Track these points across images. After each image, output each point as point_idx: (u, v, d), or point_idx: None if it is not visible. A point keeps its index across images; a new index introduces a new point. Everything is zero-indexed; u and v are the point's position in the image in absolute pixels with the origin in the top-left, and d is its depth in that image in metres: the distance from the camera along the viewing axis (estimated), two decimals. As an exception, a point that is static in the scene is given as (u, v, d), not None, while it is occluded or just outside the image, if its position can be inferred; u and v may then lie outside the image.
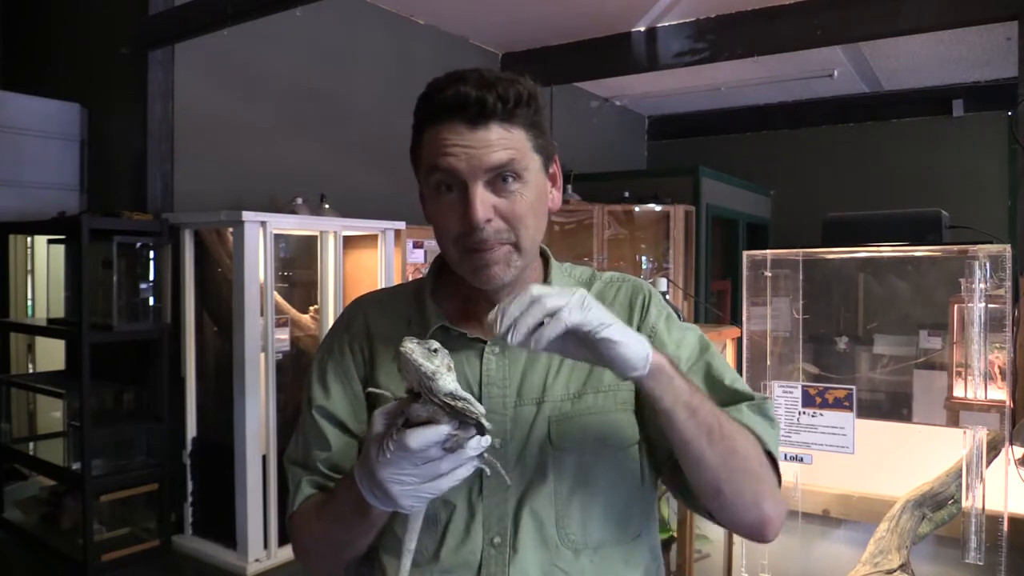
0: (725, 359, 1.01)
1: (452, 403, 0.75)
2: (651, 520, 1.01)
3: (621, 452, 0.95)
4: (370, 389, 0.95)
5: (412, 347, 0.75)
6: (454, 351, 0.94)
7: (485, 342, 0.96)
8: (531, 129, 0.90)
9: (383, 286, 3.35)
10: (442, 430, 0.76)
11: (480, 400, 0.93)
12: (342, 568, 0.99)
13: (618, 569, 0.94)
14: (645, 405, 0.95)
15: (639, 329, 0.98)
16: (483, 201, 0.87)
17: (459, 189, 0.88)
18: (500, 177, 0.88)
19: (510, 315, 0.75)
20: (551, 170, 0.97)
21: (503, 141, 0.87)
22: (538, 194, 0.92)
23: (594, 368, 0.95)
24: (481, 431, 0.78)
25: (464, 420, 0.76)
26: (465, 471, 0.79)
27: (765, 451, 0.91)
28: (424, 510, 0.85)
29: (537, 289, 0.76)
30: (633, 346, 0.78)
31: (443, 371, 0.75)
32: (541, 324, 0.75)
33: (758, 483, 0.89)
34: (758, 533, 0.93)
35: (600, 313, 0.77)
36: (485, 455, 0.80)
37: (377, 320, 1.01)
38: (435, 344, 0.76)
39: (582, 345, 0.78)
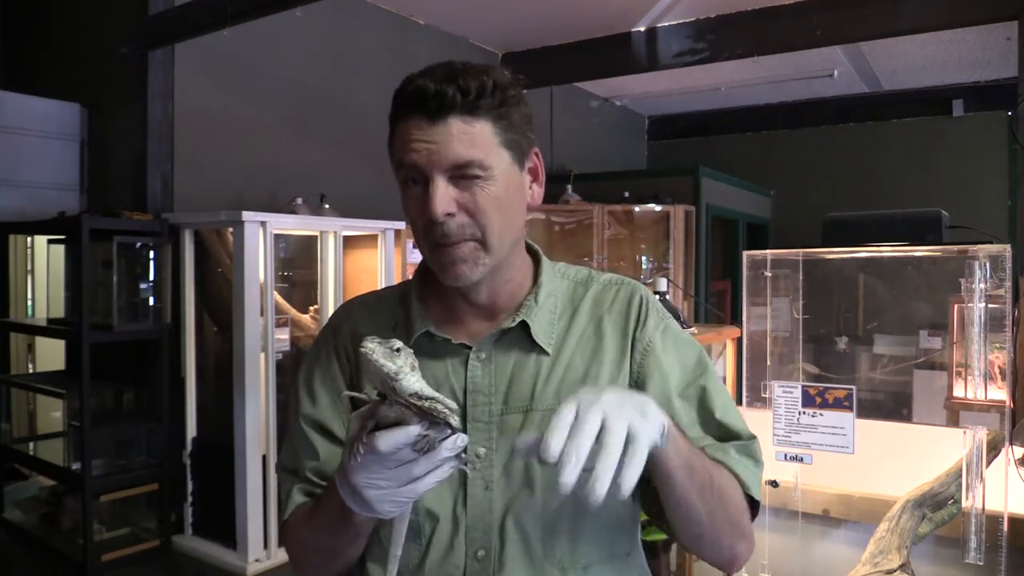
0: (720, 383, 0.98)
1: (418, 403, 0.72)
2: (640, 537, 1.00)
3: None
4: (346, 392, 0.93)
5: (373, 347, 0.71)
6: (438, 358, 0.93)
7: (470, 348, 0.93)
8: (498, 122, 0.87)
9: (383, 286, 3.35)
10: (411, 431, 0.73)
11: (465, 408, 0.91)
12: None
13: None
14: None
15: (635, 339, 0.95)
16: (443, 196, 0.85)
17: (423, 184, 0.87)
18: (462, 172, 0.85)
19: (576, 456, 0.67)
20: (530, 164, 0.94)
21: (464, 136, 0.84)
22: (507, 189, 0.89)
23: (586, 381, 0.93)
24: (453, 429, 0.75)
25: (433, 420, 0.73)
26: (442, 473, 0.76)
27: (746, 494, 0.92)
28: (408, 515, 0.83)
29: (594, 412, 0.68)
30: (656, 423, 0.74)
31: (407, 370, 0.72)
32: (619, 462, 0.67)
33: (735, 528, 0.90)
34: (725, 568, 0.95)
35: (656, 417, 0.73)
36: (463, 455, 0.77)
37: (364, 325, 0.98)
38: (398, 343, 0.73)
39: None
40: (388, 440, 0.72)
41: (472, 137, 0.85)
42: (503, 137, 0.88)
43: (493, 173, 0.87)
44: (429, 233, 0.88)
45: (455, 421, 0.74)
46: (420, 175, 0.86)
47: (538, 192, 0.96)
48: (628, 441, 0.68)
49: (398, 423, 0.73)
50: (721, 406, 0.95)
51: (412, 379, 0.73)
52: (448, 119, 0.84)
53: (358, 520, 0.82)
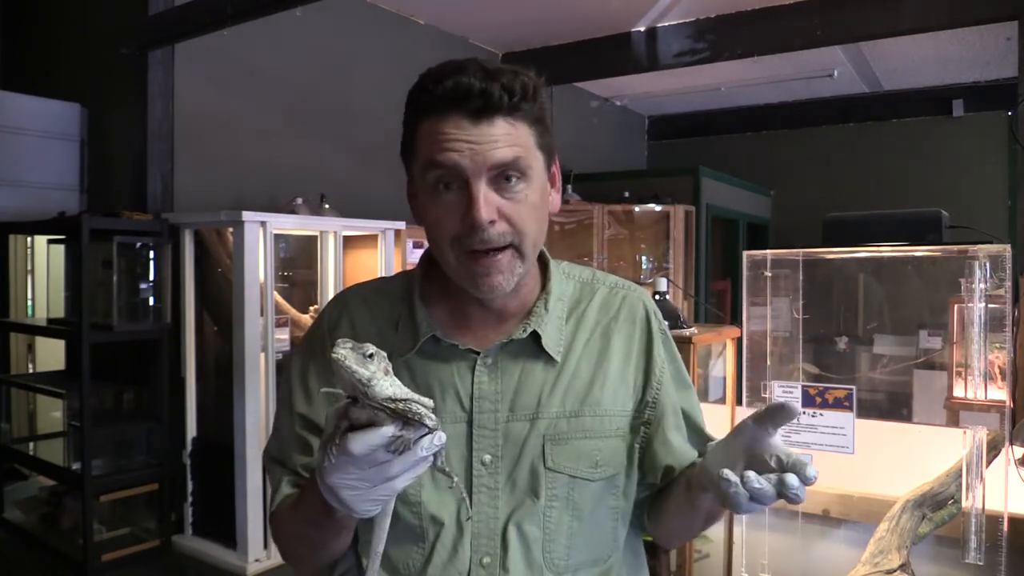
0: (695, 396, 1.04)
1: (392, 406, 0.71)
2: (629, 540, 0.99)
3: (612, 478, 0.93)
4: (323, 389, 0.90)
5: (344, 353, 0.69)
6: (444, 362, 0.91)
7: (478, 353, 0.91)
8: (535, 125, 0.85)
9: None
10: (384, 432, 0.71)
11: (471, 415, 0.90)
12: (325, 569, 0.96)
13: None
14: (653, 439, 0.95)
15: (649, 355, 0.97)
16: (488, 200, 0.81)
17: (460, 187, 0.82)
18: (503, 176, 0.83)
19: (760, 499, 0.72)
20: (551, 170, 0.92)
21: (508, 137, 0.82)
22: (541, 195, 0.88)
23: (592, 389, 0.93)
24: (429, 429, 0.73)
25: (408, 421, 0.72)
26: (418, 470, 0.74)
27: None
28: (390, 512, 0.81)
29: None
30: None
31: (379, 376, 0.70)
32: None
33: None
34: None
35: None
36: (439, 462, 0.75)
37: (363, 321, 0.96)
38: (371, 348, 0.71)
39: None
40: (361, 443, 0.70)
41: (516, 138, 0.83)
42: (539, 140, 0.87)
43: (532, 177, 0.85)
44: (465, 239, 0.83)
45: (431, 421, 0.72)
46: (459, 177, 0.82)
47: (556, 199, 0.95)
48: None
49: (371, 424, 0.72)
50: (702, 420, 1.01)
51: (385, 384, 0.71)
52: (494, 119, 0.82)
53: (338, 516, 0.80)
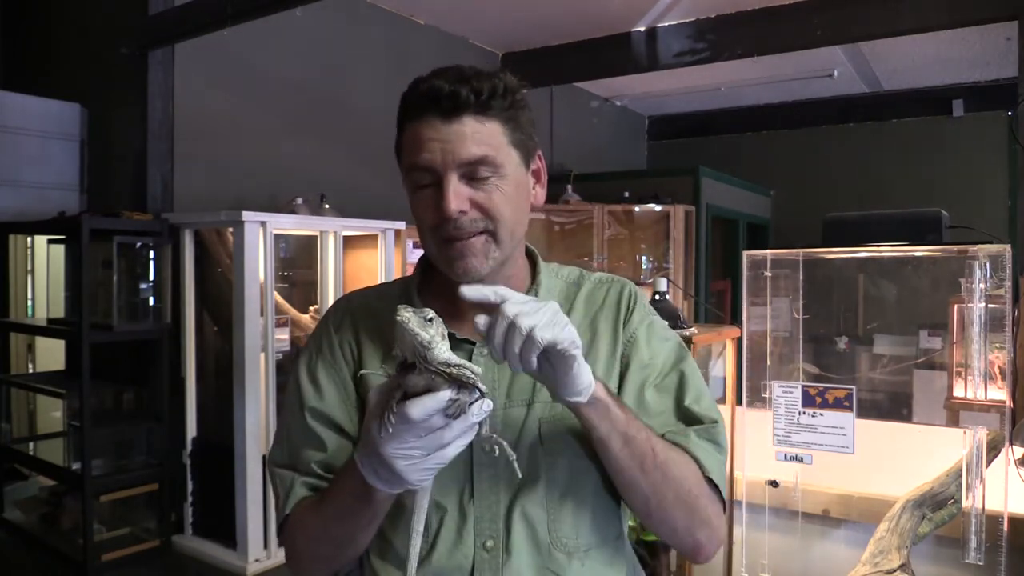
0: (698, 374, 1.00)
1: (447, 370, 0.75)
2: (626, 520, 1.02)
3: None
4: (362, 372, 0.95)
5: (408, 316, 0.74)
6: None
7: (474, 344, 0.95)
8: (508, 123, 0.90)
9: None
10: (443, 396, 0.75)
11: None
12: (336, 573, 0.96)
13: (604, 571, 0.95)
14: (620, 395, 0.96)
15: (623, 331, 0.99)
16: (457, 193, 0.87)
17: (435, 182, 0.88)
18: (475, 170, 0.88)
19: (496, 345, 0.77)
20: (534, 166, 0.97)
21: (477, 135, 0.87)
22: (517, 188, 0.92)
23: None
24: (481, 393, 0.77)
25: (462, 385, 0.76)
26: (467, 438, 0.78)
27: (706, 477, 0.92)
28: (430, 489, 0.84)
29: (510, 307, 0.76)
30: (584, 372, 0.80)
31: (438, 340, 0.75)
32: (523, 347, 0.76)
33: (691, 512, 0.90)
34: (690, 556, 0.96)
35: (570, 331, 0.78)
36: (484, 430, 0.80)
37: (365, 321, 1.00)
38: (430, 313, 0.76)
39: (545, 360, 0.78)
40: (422, 407, 0.74)
41: (484, 136, 0.88)
42: (512, 137, 0.91)
43: (504, 171, 0.90)
44: (440, 229, 0.89)
45: (483, 385, 0.77)
46: (433, 174, 0.88)
47: (541, 193, 1.00)
48: (526, 336, 0.75)
49: (427, 391, 0.76)
50: (693, 394, 0.97)
51: (443, 348, 0.75)
52: (462, 118, 0.87)
53: (378, 499, 0.83)
